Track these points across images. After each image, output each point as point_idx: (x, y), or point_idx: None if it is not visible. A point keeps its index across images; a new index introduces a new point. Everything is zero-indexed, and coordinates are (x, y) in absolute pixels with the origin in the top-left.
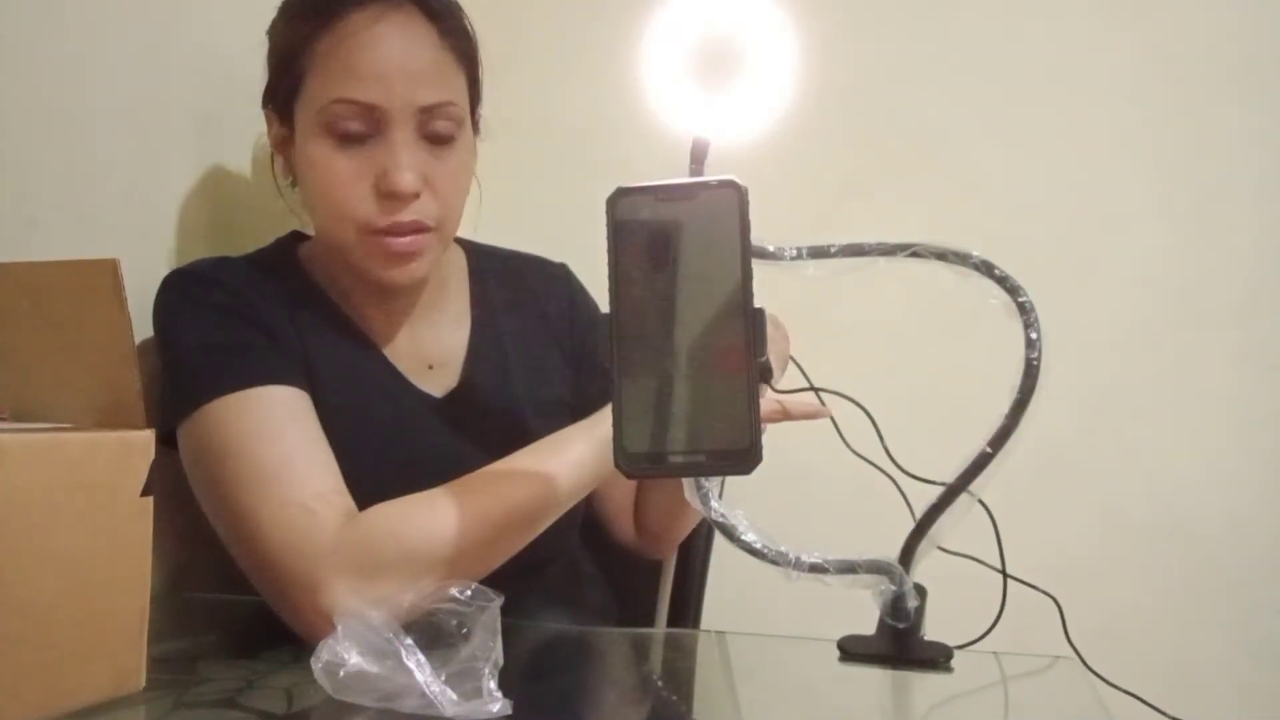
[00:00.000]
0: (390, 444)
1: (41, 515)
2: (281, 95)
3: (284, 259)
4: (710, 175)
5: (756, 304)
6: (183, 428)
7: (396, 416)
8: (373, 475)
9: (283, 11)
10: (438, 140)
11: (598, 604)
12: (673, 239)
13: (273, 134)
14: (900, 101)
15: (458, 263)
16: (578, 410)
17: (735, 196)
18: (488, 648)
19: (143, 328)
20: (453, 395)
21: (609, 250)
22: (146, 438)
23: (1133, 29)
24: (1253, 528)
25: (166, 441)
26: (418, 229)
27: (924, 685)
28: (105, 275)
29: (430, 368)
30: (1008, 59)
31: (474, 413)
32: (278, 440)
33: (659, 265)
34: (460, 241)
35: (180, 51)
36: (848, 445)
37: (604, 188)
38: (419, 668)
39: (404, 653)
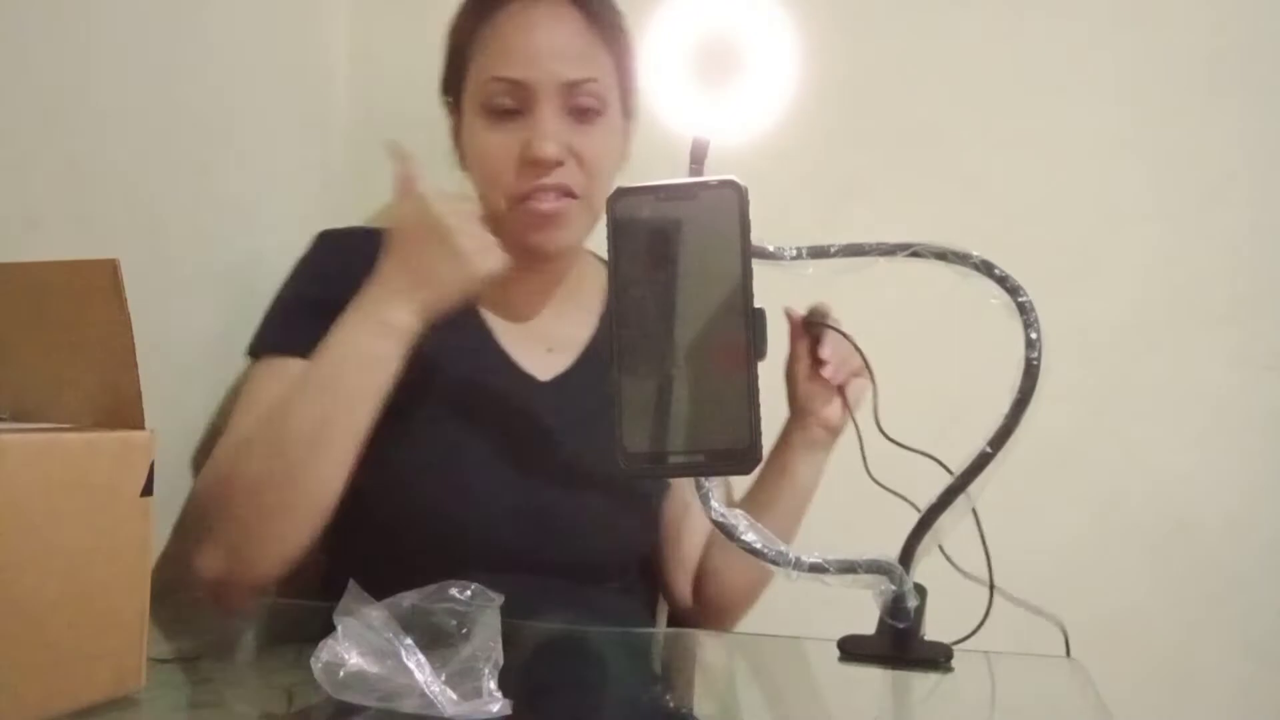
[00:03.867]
0: (487, 420)
1: (41, 515)
2: (453, 84)
3: None
4: (710, 175)
5: (756, 304)
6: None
7: (493, 395)
8: (471, 445)
9: (458, 11)
10: (582, 115)
11: (606, 606)
12: (673, 239)
13: (451, 121)
14: (900, 101)
15: (596, 273)
16: None
17: (735, 196)
18: (488, 648)
19: (143, 328)
20: (559, 380)
21: (609, 250)
22: (146, 438)
23: (1132, 29)
24: (1253, 528)
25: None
26: (562, 191)
27: (924, 685)
28: (105, 275)
29: (549, 350)
30: (1008, 59)
31: (577, 399)
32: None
33: (659, 265)
34: (600, 259)
35: (180, 51)
36: (868, 472)
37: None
38: (419, 668)
39: (404, 653)
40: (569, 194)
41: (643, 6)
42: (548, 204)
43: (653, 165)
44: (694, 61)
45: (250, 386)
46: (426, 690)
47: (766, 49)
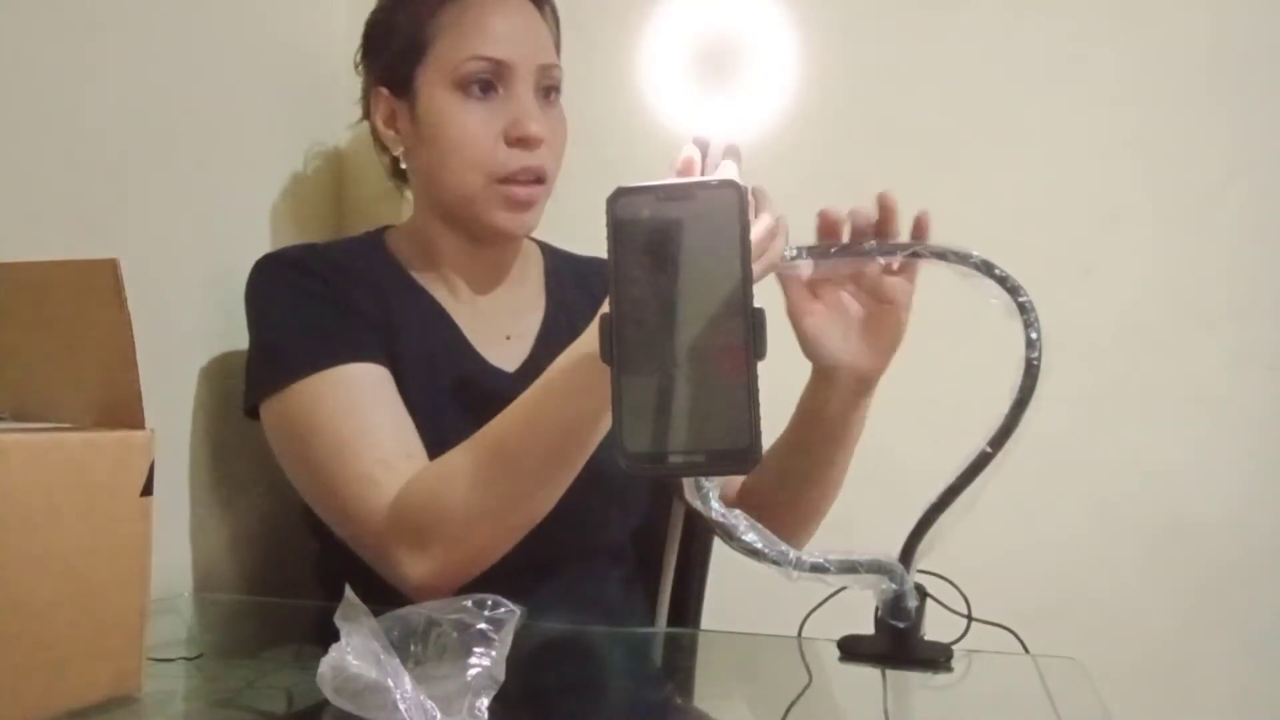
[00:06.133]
0: (461, 416)
1: (41, 515)
2: (402, 68)
3: (371, 244)
4: (711, 175)
5: (756, 304)
6: (269, 403)
7: (467, 389)
8: (444, 443)
9: (394, 1)
10: (548, 98)
11: (608, 606)
12: (673, 239)
13: (381, 111)
14: (901, 102)
15: (535, 256)
16: None
17: (735, 196)
18: (489, 666)
19: (143, 328)
20: (523, 370)
21: (609, 250)
22: (146, 438)
23: (1132, 29)
24: (1250, 527)
25: (250, 414)
26: (539, 177)
27: (924, 685)
28: (105, 275)
29: (508, 338)
30: (1008, 59)
31: None
32: (354, 413)
33: (659, 265)
34: (535, 241)
35: (180, 51)
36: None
37: (604, 188)
38: (411, 681)
39: (402, 666)
40: (541, 179)
41: (644, 6)
42: (527, 189)
43: (653, 166)
44: (693, 61)
45: (318, 402)
46: (414, 705)
47: (767, 48)
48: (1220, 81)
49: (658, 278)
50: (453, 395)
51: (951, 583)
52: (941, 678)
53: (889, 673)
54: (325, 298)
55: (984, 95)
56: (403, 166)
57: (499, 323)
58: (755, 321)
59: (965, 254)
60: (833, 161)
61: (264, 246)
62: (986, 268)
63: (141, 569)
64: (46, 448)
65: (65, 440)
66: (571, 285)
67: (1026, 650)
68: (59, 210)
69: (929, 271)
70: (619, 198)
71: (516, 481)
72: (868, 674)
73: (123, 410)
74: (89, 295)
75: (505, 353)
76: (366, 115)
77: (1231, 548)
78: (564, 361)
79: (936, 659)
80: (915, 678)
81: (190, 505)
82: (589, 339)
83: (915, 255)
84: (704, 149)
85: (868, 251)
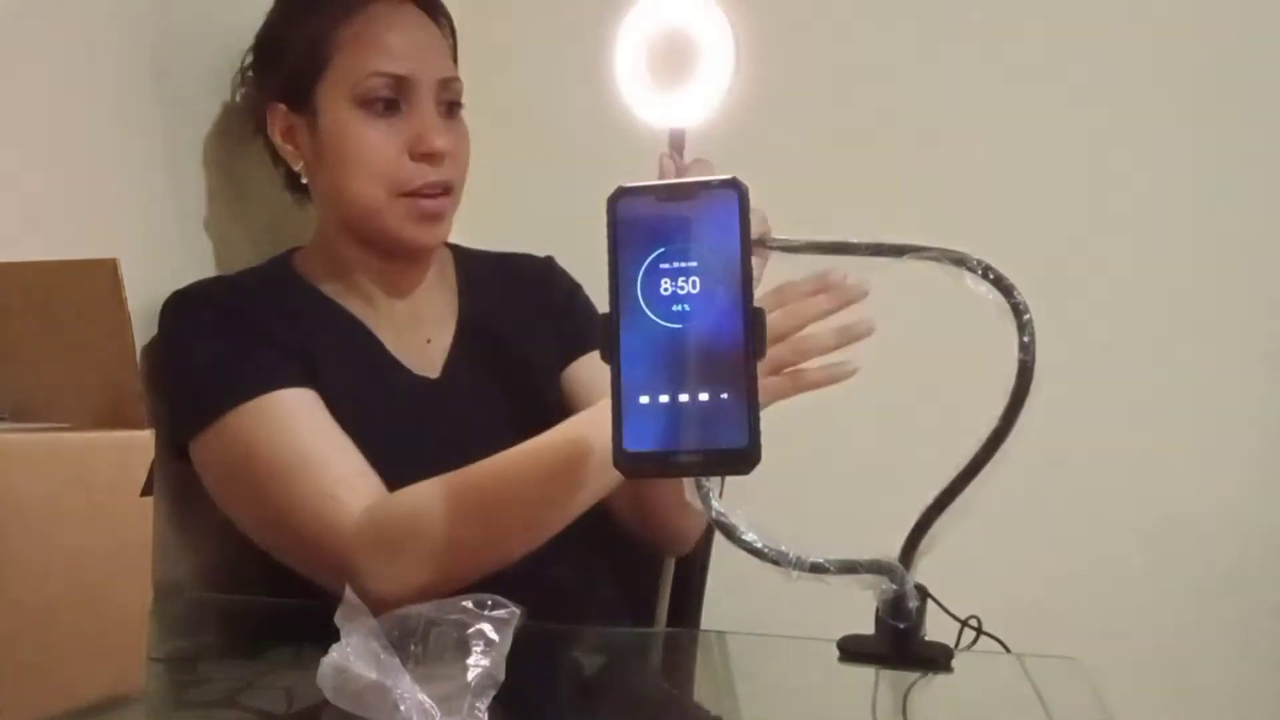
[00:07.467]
0: (390, 426)
1: (41, 515)
2: (300, 83)
3: (279, 269)
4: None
5: (756, 303)
6: (199, 441)
7: (392, 400)
8: (375, 456)
9: (289, 9)
10: (450, 111)
11: (607, 605)
12: (673, 238)
13: (278, 125)
14: (897, 101)
15: (446, 258)
16: (567, 393)
17: (736, 196)
18: (489, 666)
19: (143, 328)
20: (445, 375)
21: (609, 249)
22: (146, 438)
23: (1132, 29)
24: (1252, 527)
25: (177, 456)
26: (445, 190)
27: (924, 685)
28: (105, 275)
29: (428, 342)
30: (1005, 56)
31: (464, 393)
32: (295, 437)
33: (659, 265)
34: (445, 244)
35: (182, 51)
36: None
37: (590, 187)
38: (412, 682)
39: (402, 666)
40: (448, 190)
41: (629, 4)
42: (435, 202)
43: (643, 164)
44: (684, 59)
45: (253, 431)
46: (413, 705)
47: (764, 47)
48: (1220, 81)
49: (657, 278)
50: (380, 408)
51: (966, 618)
52: (941, 678)
53: (888, 673)
54: (240, 329)
55: (980, 93)
56: (303, 181)
57: (417, 329)
58: (755, 321)
59: (958, 254)
60: (828, 160)
61: (265, 245)
62: (981, 268)
63: (141, 569)
64: (46, 448)
65: (65, 440)
66: (485, 284)
67: (1008, 650)
68: (59, 210)
69: (924, 272)
70: (619, 197)
71: (494, 528)
72: (868, 674)
73: (123, 410)
74: (89, 295)
75: (426, 359)
76: (259, 129)
77: (1231, 547)
78: (552, 439)
79: (937, 659)
80: (915, 678)
81: (190, 505)
82: (575, 424)
83: (909, 256)
84: (681, 140)
85: (858, 251)
